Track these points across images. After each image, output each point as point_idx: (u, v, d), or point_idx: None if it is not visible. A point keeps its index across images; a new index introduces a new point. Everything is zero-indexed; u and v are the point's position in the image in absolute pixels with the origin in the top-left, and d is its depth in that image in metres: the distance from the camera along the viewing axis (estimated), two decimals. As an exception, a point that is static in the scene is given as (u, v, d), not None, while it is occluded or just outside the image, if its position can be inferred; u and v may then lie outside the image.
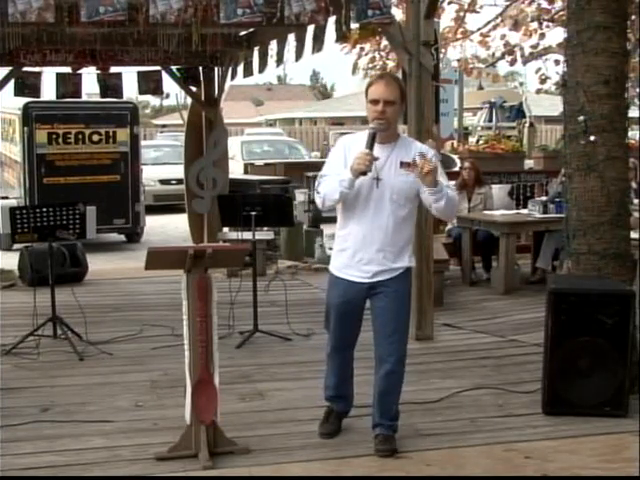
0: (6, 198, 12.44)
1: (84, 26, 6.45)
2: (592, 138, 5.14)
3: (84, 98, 11.03)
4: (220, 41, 8.22)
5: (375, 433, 4.44)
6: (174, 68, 9.78)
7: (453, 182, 9.57)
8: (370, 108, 4.19)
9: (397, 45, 6.55)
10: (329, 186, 4.19)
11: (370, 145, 4.11)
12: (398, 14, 8.59)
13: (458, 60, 12.10)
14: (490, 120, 20.46)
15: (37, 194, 11.75)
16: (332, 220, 4.80)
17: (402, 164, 4.17)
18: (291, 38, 7.72)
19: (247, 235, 6.84)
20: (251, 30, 8.64)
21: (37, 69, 9.24)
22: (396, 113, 4.24)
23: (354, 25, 6.68)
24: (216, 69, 9.84)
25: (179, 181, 12.68)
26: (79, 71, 9.45)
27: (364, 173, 4.08)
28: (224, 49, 9.02)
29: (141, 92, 9.95)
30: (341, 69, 28.65)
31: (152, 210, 15.04)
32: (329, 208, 4.33)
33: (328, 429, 4.61)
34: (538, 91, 13.49)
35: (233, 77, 9.98)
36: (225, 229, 9.10)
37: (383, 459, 4.30)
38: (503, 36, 11.35)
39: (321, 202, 4.27)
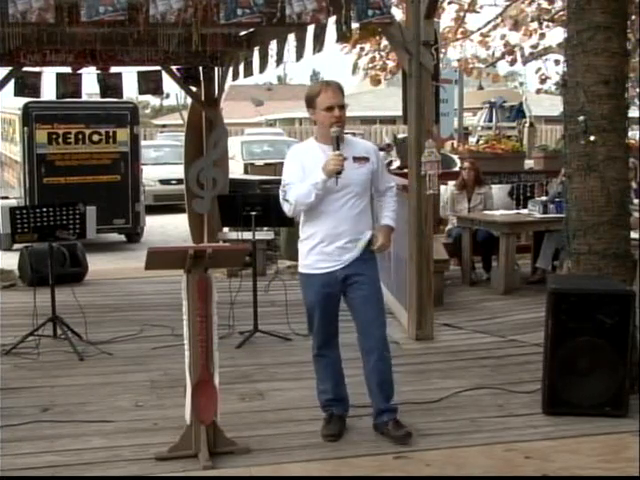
0: (6, 198, 12.44)
1: (84, 26, 6.44)
2: (592, 138, 5.14)
3: (84, 98, 11.01)
4: (220, 41, 8.23)
5: (383, 421, 4.55)
6: (174, 68, 9.77)
7: (453, 182, 9.63)
8: (325, 115, 4.45)
9: (397, 45, 6.55)
10: (299, 192, 4.42)
11: (337, 147, 4.40)
12: (398, 14, 8.60)
13: (458, 60, 12.12)
14: (490, 120, 20.43)
15: (37, 194, 11.75)
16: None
17: (355, 159, 4.48)
18: (291, 38, 7.71)
19: (247, 235, 6.84)
20: (251, 30, 8.63)
21: (37, 69, 9.22)
22: (345, 115, 4.54)
23: (354, 25, 6.68)
24: (216, 69, 9.83)
25: (179, 181, 12.69)
26: (79, 71, 9.45)
27: (339, 172, 4.36)
28: (224, 49, 9.01)
29: (141, 92, 9.93)
30: (341, 69, 28.67)
31: (152, 210, 15.05)
32: (299, 213, 4.53)
33: (333, 430, 4.60)
34: (538, 91, 13.50)
35: (233, 77, 9.97)
36: (225, 229, 9.10)
37: (383, 459, 4.30)
38: (503, 36, 11.38)
39: (292, 208, 4.48)
